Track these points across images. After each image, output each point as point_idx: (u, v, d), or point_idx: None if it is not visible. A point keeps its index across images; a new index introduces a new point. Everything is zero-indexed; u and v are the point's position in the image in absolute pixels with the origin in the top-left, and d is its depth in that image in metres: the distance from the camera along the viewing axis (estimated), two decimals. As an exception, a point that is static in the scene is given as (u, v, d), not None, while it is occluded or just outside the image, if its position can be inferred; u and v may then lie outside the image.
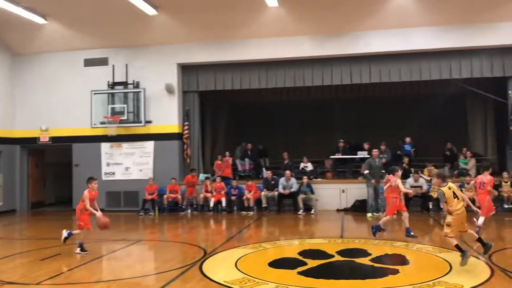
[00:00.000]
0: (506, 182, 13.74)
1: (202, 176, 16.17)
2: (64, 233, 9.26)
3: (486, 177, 10.50)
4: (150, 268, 8.04)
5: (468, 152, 16.01)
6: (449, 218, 7.28)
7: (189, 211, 15.24)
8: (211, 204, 15.02)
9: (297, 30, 15.00)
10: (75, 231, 9.18)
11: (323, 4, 14.03)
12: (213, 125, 19.23)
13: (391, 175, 10.45)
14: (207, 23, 15.05)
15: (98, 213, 8.93)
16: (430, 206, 13.91)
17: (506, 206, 13.72)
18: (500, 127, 16.62)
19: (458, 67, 14.95)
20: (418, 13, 14.08)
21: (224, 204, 15.00)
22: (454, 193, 7.24)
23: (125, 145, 16.44)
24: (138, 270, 7.69)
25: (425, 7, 13.92)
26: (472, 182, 11.17)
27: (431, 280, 6.47)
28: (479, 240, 7.60)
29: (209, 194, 15.21)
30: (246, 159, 17.67)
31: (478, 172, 15.71)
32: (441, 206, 8.18)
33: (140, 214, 15.13)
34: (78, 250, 8.84)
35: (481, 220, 10.07)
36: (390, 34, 14.76)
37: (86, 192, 9.03)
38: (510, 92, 14.72)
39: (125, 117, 16.00)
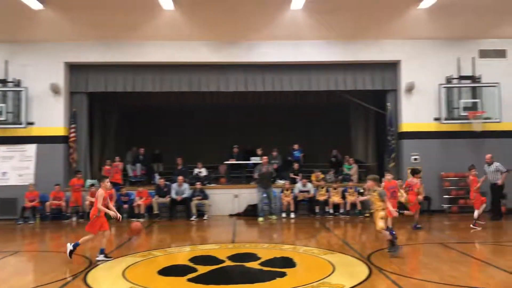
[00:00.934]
0: (384, 187, 14.84)
1: (88, 182, 15.35)
2: (69, 246, 8.33)
3: (413, 181, 11.94)
4: (28, 282, 7.40)
5: (351, 159, 17.10)
6: (382, 213, 8.48)
7: (74, 219, 14.39)
8: (99, 211, 14.31)
9: (193, 35, 14.95)
10: (85, 238, 8.45)
11: (220, 12, 14.14)
12: (103, 129, 18.38)
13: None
14: (99, 22, 14.39)
15: (113, 213, 8.47)
16: (317, 210, 14.60)
17: (383, 209, 14.80)
18: (380, 136, 18.00)
19: (343, 79, 15.91)
20: (309, 27, 14.76)
21: (113, 211, 14.36)
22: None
23: (2, 148, 15.08)
24: (13, 285, 7.05)
25: (316, 21, 14.64)
26: (404, 185, 12.41)
27: (316, 281, 6.76)
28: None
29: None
30: (138, 164, 17.15)
31: (360, 178, 16.93)
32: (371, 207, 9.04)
33: (19, 222, 13.95)
34: (101, 257, 8.26)
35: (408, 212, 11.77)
36: (283, 45, 15.30)
37: (100, 191, 8.47)
38: (388, 104, 16.00)
39: (3, 118, 14.69)
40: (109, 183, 9.07)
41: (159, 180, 15.34)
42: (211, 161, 19.11)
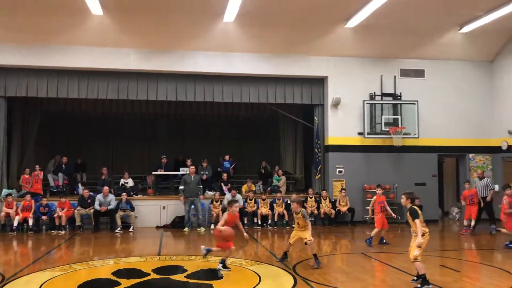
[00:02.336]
0: (311, 197, 15.23)
1: (5, 191, 14.37)
2: (203, 249, 8.66)
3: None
4: None
5: (280, 170, 17.40)
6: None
7: (-13, 231, 13.41)
8: (15, 223, 13.46)
9: (122, 42, 14.60)
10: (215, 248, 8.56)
11: (151, 20, 13.94)
12: (22, 136, 17.32)
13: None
14: (21, 24, 13.67)
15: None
16: (245, 221, 14.65)
17: (310, 219, 15.12)
18: (308, 148, 18.48)
19: (273, 93, 16.19)
20: (241, 39, 14.94)
21: (30, 223, 13.57)
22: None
23: None
24: None
25: (248, 34, 14.85)
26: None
27: (242, 293, 6.78)
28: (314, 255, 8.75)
29: (11, 211, 13.59)
30: (60, 174, 16.35)
31: (288, 189, 17.26)
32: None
33: None
34: (219, 266, 8.31)
35: (374, 231, 11.44)
36: (215, 56, 15.32)
37: (226, 215, 8.57)
38: (316, 118, 16.50)
39: None
40: (237, 208, 8.95)
41: (82, 190, 14.72)
42: (138, 171, 18.70)
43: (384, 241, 11.48)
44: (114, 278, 7.79)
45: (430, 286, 6.75)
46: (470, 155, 16.55)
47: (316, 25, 14.61)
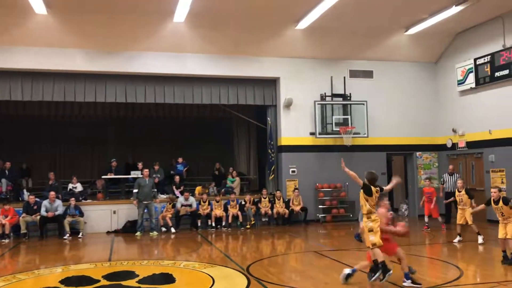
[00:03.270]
0: (265, 198, 15.28)
1: None
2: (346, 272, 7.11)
3: None
4: None
5: (234, 172, 17.37)
6: None
7: None
8: (-49, 233, 12.73)
9: (68, 42, 14.10)
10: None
11: (98, 20, 13.55)
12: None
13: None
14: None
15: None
16: (199, 224, 14.52)
17: (263, 220, 15.23)
18: (261, 149, 18.56)
19: (226, 94, 16.14)
20: (192, 40, 14.79)
21: (-31, 232, 12.88)
22: None
23: None
24: None
25: (199, 35, 14.72)
26: None
27: (195, 296, 6.69)
28: None
29: None
30: (3, 180, 15.57)
31: (242, 190, 17.25)
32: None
33: None
34: (407, 283, 6.84)
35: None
36: (166, 56, 15.08)
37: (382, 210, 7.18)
38: (269, 119, 16.59)
39: None
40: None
41: (28, 196, 14.11)
42: (87, 176, 18.18)
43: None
44: (61, 286, 7.50)
45: (391, 271, 6.67)
46: (417, 153, 17.14)
47: (267, 26, 14.69)
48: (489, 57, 14.55)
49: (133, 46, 14.69)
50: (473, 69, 15.16)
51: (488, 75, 14.58)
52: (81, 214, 13.94)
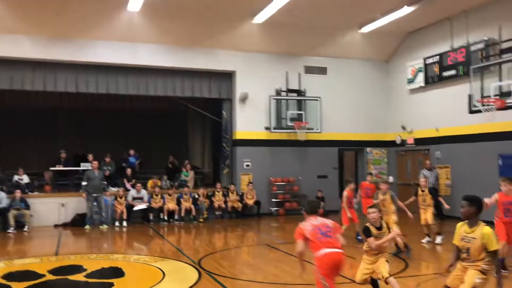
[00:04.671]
0: (218, 191, 15.25)
1: None
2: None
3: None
4: None
5: (189, 165, 17.21)
6: None
7: None
8: None
9: (17, 28, 13.48)
10: None
11: (49, 6, 13.05)
12: None
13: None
14: None
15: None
16: (151, 217, 14.33)
17: (217, 213, 15.20)
18: (216, 143, 18.49)
19: (181, 86, 15.95)
20: (146, 30, 14.50)
21: None
22: None
23: None
24: None
25: (153, 25, 14.45)
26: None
27: (144, 290, 6.62)
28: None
29: None
30: None
31: (196, 184, 17.15)
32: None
33: None
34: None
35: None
36: (118, 46, 14.71)
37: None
38: (224, 112, 16.54)
39: None
40: None
41: (-30, 189, 13.48)
42: (35, 167, 17.51)
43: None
44: (4, 281, 7.20)
45: None
46: (368, 149, 17.59)
47: (224, 18, 14.61)
48: (437, 57, 15.09)
49: (85, 34, 14.26)
50: (423, 69, 15.69)
51: (437, 75, 15.14)
52: (27, 207, 13.44)
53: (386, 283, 5.64)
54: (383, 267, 5.67)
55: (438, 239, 10.33)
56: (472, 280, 4.58)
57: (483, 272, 4.61)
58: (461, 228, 4.81)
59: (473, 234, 4.66)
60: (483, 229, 4.63)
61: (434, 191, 10.88)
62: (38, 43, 14.02)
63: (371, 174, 14.12)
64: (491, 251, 4.60)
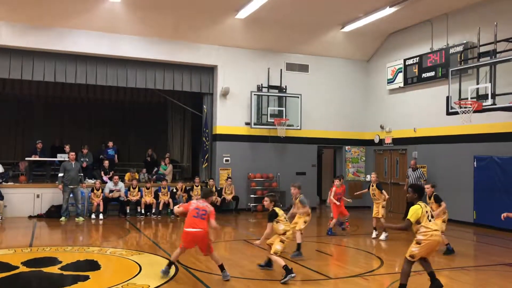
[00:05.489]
0: (197, 186, 15.18)
1: None
2: None
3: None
4: None
5: (168, 159, 17.09)
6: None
7: None
8: None
9: (-10, 14, 13.19)
10: None
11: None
12: None
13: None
14: None
15: None
16: (128, 211, 14.20)
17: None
18: (196, 137, 18.42)
19: (162, 79, 15.81)
20: (128, 21, 14.30)
21: None
22: None
23: None
24: None
25: (135, 16, 14.25)
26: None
27: (120, 283, 6.56)
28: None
29: None
30: None
31: (175, 178, 17.07)
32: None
33: None
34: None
35: (332, 222, 11.51)
36: (98, 36, 14.51)
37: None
38: (204, 106, 16.47)
39: None
40: None
41: None
42: (10, 157, 17.21)
43: (342, 227, 11.90)
44: (-25, 273, 7.07)
45: (294, 275, 6.87)
46: (346, 147, 17.76)
47: (207, 13, 14.50)
48: (417, 58, 15.30)
49: (64, 22, 14.01)
50: (402, 69, 15.89)
51: (416, 76, 15.34)
52: (1, 197, 13.19)
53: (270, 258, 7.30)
54: (276, 244, 7.21)
55: (383, 236, 10.85)
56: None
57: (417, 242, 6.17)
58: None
59: None
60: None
61: (380, 186, 11.35)
62: (16, 30, 13.74)
63: (339, 177, 12.14)
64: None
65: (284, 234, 7.24)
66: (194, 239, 6.91)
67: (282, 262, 7.00)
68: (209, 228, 6.90)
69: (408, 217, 6.15)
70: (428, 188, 9.39)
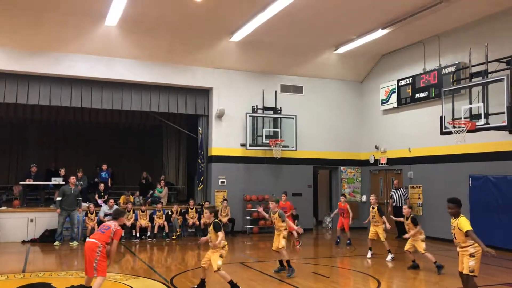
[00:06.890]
0: (192, 208, 15.10)
1: None
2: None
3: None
4: None
5: (163, 181, 17.02)
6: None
7: None
8: None
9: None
10: None
11: (22, 19, 12.81)
12: None
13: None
14: None
15: None
16: (122, 234, 14.02)
17: (190, 230, 15.03)
18: (191, 159, 18.39)
19: (157, 101, 15.85)
20: (123, 45, 14.42)
21: None
22: None
23: None
24: None
25: (131, 40, 14.39)
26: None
27: (114, 309, 6.45)
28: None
29: None
30: None
31: (170, 200, 16.97)
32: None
33: None
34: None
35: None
36: (94, 60, 14.59)
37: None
38: (200, 128, 16.49)
39: None
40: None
41: None
42: (3, 181, 17.11)
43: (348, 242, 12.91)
44: (-34, 300, 6.95)
45: None
46: (342, 168, 17.77)
47: (202, 36, 14.65)
48: (410, 79, 15.46)
49: (59, 46, 14.09)
50: (396, 90, 16.03)
51: (409, 96, 15.48)
52: (-6, 222, 13.04)
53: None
54: (215, 261, 7.40)
55: (389, 257, 10.73)
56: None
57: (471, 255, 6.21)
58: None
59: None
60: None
61: (381, 209, 11.34)
62: (11, 55, 13.79)
63: (343, 195, 14.50)
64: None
65: (223, 247, 7.53)
66: (86, 248, 6.88)
67: (228, 277, 7.41)
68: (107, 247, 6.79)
69: (468, 227, 6.27)
70: (405, 209, 9.98)
